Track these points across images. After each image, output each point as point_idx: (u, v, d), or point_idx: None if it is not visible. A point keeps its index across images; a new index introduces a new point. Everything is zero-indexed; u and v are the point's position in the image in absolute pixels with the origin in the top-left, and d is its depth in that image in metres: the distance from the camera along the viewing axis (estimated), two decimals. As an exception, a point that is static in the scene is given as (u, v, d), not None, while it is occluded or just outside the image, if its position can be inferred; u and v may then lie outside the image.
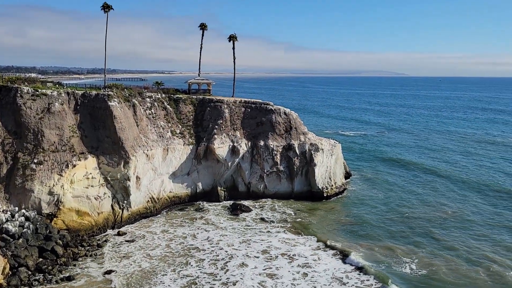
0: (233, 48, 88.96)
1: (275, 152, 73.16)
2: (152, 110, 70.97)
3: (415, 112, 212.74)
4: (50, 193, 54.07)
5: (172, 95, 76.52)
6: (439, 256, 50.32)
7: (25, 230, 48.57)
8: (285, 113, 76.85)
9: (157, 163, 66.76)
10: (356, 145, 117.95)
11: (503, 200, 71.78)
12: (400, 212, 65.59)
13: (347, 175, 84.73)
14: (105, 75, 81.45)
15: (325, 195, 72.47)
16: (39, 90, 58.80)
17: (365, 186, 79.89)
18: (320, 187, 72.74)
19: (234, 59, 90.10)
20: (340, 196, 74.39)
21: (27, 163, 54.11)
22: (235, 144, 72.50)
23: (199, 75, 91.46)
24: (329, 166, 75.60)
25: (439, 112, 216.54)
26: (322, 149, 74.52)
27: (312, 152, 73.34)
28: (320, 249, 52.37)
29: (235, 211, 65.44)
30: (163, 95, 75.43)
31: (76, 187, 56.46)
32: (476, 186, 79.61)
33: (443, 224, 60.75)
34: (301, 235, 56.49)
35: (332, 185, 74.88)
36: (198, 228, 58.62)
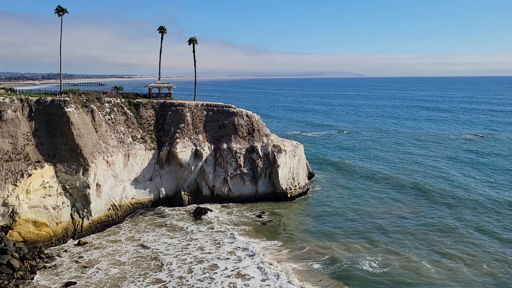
0: (194, 51, 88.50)
1: (239, 155, 73.21)
2: (112, 116, 69.36)
3: (379, 112, 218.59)
4: (4, 204, 51.71)
5: (132, 100, 75.07)
6: (398, 254, 51.13)
7: (-23, 244, 46.19)
8: (247, 116, 77.07)
9: (118, 170, 65.26)
10: (319, 145, 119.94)
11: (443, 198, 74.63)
12: (361, 211, 66.99)
13: (310, 175, 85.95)
14: (60, 81, 78.93)
15: (289, 195, 73.20)
16: (-10, 97, 56.19)
17: (328, 186, 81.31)
18: (284, 188, 73.40)
19: (195, 62, 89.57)
20: (303, 196, 75.34)
21: (-22, 173, 51.50)
22: (198, 147, 71.99)
23: (159, 78, 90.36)
24: (292, 167, 76.43)
25: (400, 111, 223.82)
26: (285, 150, 75.25)
27: (275, 154, 73.92)
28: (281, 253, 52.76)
29: (200, 215, 64.96)
30: (123, 100, 73.88)
31: (33, 197, 54.33)
32: (427, 181, 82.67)
33: (403, 221, 62.29)
34: (264, 237, 56.70)
35: (296, 186, 75.75)
36: (162, 234, 57.75)
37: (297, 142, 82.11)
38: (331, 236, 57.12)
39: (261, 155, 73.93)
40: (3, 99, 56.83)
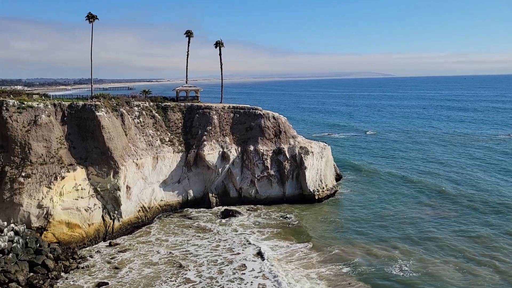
0: (220, 54, 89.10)
1: (265, 157, 73.23)
2: (141, 119, 70.65)
3: (407, 113, 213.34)
4: (39, 206, 53.39)
5: (160, 103, 76.30)
6: (429, 259, 49.77)
7: (14, 244, 47.81)
8: (273, 117, 77.03)
9: (147, 172, 66.37)
10: (344, 147, 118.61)
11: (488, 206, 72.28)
12: (390, 214, 65.60)
13: (338, 177, 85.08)
14: (91, 85, 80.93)
15: (316, 198, 72.65)
16: (25, 102, 58.18)
17: (356, 188, 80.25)
18: (311, 190, 72.92)
19: (221, 65, 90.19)
20: (331, 198, 74.62)
21: (14, 176, 53.41)
22: (225, 150, 72.41)
23: (186, 82, 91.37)
24: (319, 169, 75.87)
25: (427, 111, 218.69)
26: (312, 152, 74.78)
27: (302, 156, 73.55)
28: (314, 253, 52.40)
29: (227, 217, 65.30)
30: (151, 103, 75.17)
31: (66, 199, 55.87)
32: (467, 185, 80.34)
33: (436, 225, 60.51)
34: (292, 240, 56.42)
35: (323, 188, 75.11)
36: (191, 235, 58.33)
37: (324, 144, 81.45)
38: (359, 239, 56.30)
39: (288, 157, 73.71)
40: (38, 104, 58.74)
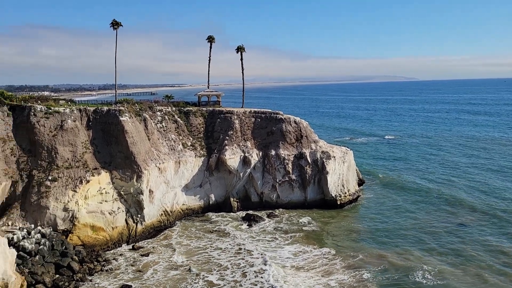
0: (241, 59, 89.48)
1: (287, 161, 73.04)
2: (163, 124, 71.53)
3: (428, 117, 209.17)
4: (65, 209, 54.56)
5: (182, 108, 77.11)
6: (453, 266, 48.82)
7: (41, 247, 48.96)
8: (295, 122, 76.83)
9: (169, 176, 67.07)
10: (366, 152, 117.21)
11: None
12: (413, 220, 64.45)
13: (360, 182, 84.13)
14: (116, 91, 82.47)
15: (338, 203, 71.98)
16: (52, 108, 59.68)
17: (379, 193, 79.17)
18: (333, 195, 72.30)
19: (243, 70, 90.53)
20: (354, 203, 73.81)
21: (41, 180, 54.76)
22: (246, 154, 72.57)
23: (208, 87, 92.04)
24: (341, 174, 75.19)
25: (449, 115, 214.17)
26: (334, 157, 74.20)
27: (324, 160, 73.06)
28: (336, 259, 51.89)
29: (249, 221, 65.31)
30: (174, 108, 76.04)
31: (90, 202, 56.93)
32: (491, 192, 78.24)
33: (458, 234, 58.81)
34: (314, 245, 55.97)
35: (346, 193, 74.37)
36: (212, 239, 58.54)
37: (347, 148, 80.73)
38: (382, 246, 55.35)
39: (309, 161, 73.34)
40: (64, 110, 60.16)
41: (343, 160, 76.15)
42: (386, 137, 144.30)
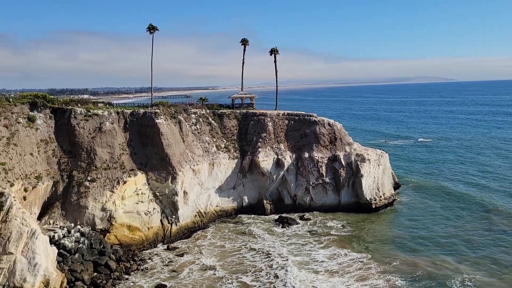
0: (275, 62, 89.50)
1: (320, 164, 72.36)
2: (197, 126, 72.43)
3: (465, 119, 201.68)
4: (103, 209, 56.11)
5: (216, 110, 77.88)
6: (492, 275, 46.76)
7: (80, 245, 50.54)
8: (329, 124, 76.05)
9: (203, 178, 67.80)
10: (405, 155, 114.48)
11: None
12: (452, 227, 62.28)
13: (396, 186, 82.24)
14: (152, 94, 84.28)
15: (373, 206, 70.61)
16: (91, 110, 61.58)
17: (416, 197, 77.07)
18: (368, 199, 71.01)
19: (276, 73, 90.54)
20: (389, 207, 72.20)
21: (81, 180, 56.56)
22: (280, 156, 72.40)
23: (242, 89, 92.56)
24: (376, 177, 73.75)
25: (487, 118, 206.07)
26: (369, 160, 72.91)
27: (358, 163, 71.90)
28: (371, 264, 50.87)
29: (282, 223, 65.06)
30: (208, 111, 76.90)
31: (127, 203, 58.29)
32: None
33: (495, 242, 56.28)
34: (349, 249, 55.09)
35: (381, 196, 72.88)
36: (246, 241, 58.67)
37: (382, 151, 79.14)
38: (418, 252, 53.77)
39: (343, 164, 72.37)
40: (102, 112, 61.97)
41: (378, 163, 74.69)
42: (420, 139, 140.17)
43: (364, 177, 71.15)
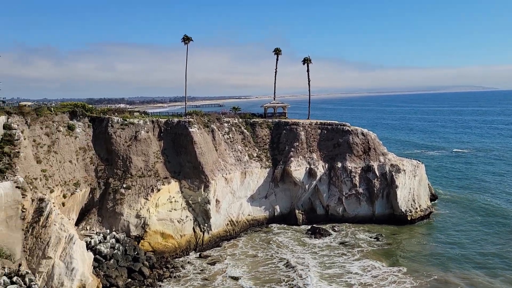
0: (308, 71, 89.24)
1: (354, 174, 71.23)
2: (230, 135, 72.94)
3: (507, 130, 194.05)
4: (138, 216, 57.17)
5: (248, 120, 78.25)
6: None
7: (115, 251, 51.58)
8: (362, 134, 74.90)
9: (235, 187, 68.03)
10: (442, 166, 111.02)
11: None
12: (492, 244, 59.60)
13: (433, 198, 79.84)
14: (185, 103, 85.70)
15: (409, 218, 68.72)
16: (127, 119, 63.17)
17: (454, 210, 74.47)
18: (403, 210, 69.21)
19: (309, 82, 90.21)
20: (425, 220, 70.07)
21: (117, 188, 57.92)
22: (312, 166, 71.79)
23: (274, 98, 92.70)
24: (412, 188, 71.85)
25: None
26: (404, 170, 71.19)
27: (393, 174, 70.31)
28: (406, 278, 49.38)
29: (314, 234, 64.27)
30: (240, 120, 77.38)
31: (161, 210, 59.18)
32: None
33: None
34: (384, 262, 53.71)
35: (417, 208, 70.87)
36: (277, 252, 58.24)
37: (418, 162, 77.06)
38: (456, 266, 51.83)
39: (377, 174, 70.95)
40: (138, 121, 63.44)
41: (414, 173, 72.79)
42: (455, 150, 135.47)
43: (399, 188, 69.47)
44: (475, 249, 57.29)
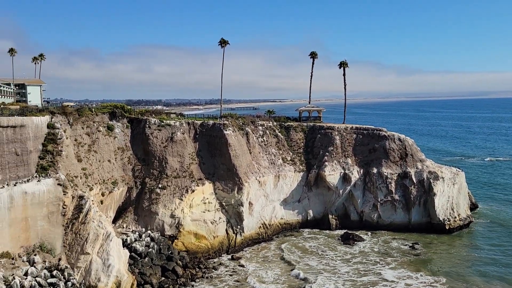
0: (344, 75, 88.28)
1: (389, 180, 69.69)
2: (264, 138, 73.04)
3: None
4: (172, 216, 58.16)
5: (283, 123, 78.13)
6: None
7: (150, 250, 52.66)
8: (399, 139, 73.19)
9: (268, 190, 68.02)
10: (483, 174, 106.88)
11: None
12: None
13: (473, 207, 76.98)
14: (221, 105, 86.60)
15: (447, 227, 66.52)
16: (164, 121, 64.46)
17: (495, 220, 71.55)
18: (441, 219, 67.06)
19: (345, 85, 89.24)
20: (465, 229, 67.64)
21: (153, 187, 59.16)
22: (347, 171, 70.80)
23: (309, 102, 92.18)
24: (451, 196, 69.52)
25: None
26: (443, 178, 69.00)
27: (431, 181, 68.28)
28: None
29: (348, 240, 63.30)
30: (275, 123, 77.37)
31: (195, 211, 59.96)
32: None
33: None
34: (421, 272, 52.13)
35: (455, 217, 68.49)
36: (309, 257, 57.73)
37: (457, 169, 74.52)
38: (497, 279, 49.77)
39: (414, 181, 69.12)
40: (174, 123, 64.62)
41: (453, 181, 70.42)
42: (488, 159, 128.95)
43: (437, 195, 67.39)
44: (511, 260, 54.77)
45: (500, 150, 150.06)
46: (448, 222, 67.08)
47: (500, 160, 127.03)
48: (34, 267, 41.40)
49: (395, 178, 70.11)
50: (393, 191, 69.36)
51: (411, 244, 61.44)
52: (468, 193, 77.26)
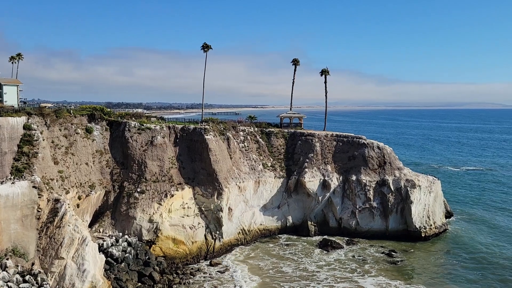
0: (325, 82, 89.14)
1: (368, 188, 70.52)
2: (245, 143, 73.04)
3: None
4: (150, 220, 57.45)
5: (264, 129, 78.31)
6: None
7: (127, 255, 51.86)
8: (378, 147, 74.23)
9: (248, 195, 67.94)
10: (458, 183, 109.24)
11: None
12: (507, 261, 58.53)
13: (448, 215, 78.45)
14: (202, 110, 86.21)
15: (423, 235, 67.59)
16: (144, 124, 63.80)
17: (469, 227, 73.05)
18: (417, 226, 68.12)
19: (326, 93, 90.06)
20: (440, 236, 68.83)
21: (131, 191, 58.39)
22: (326, 178, 71.34)
23: (290, 109, 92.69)
24: (427, 204, 70.75)
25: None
26: (419, 186, 70.20)
27: (408, 189, 69.38)
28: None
29: (326, 247, 63.66)
30: (256, 129, 77.47)
31: (173, 216, 59.39)
32: None
33: None
34: (398, 280, 52.73)
35: (431, 225, 69.68)
36: (288, 263, 57.77)
37: (434, 178, 75.98)
38: (474, 284, 50.73)
39: (392, 189, 70.11)
40: (155, 127, 64.04)
41: (430, 190, 71.71)
42: (466, 168, 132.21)
43: (414, 203, 68.50)
44: (490, 270, 55.92)
45: (487, 160, 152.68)
46: (424, 230, 68.17)
47: (485, 170, 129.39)
48: (6, 271, 40.28)
49: (374, 185, 70.96)
50: (372, 198, 70.17)
51: (388, 252, 62.15)
52: (444, 201, 78.76)
